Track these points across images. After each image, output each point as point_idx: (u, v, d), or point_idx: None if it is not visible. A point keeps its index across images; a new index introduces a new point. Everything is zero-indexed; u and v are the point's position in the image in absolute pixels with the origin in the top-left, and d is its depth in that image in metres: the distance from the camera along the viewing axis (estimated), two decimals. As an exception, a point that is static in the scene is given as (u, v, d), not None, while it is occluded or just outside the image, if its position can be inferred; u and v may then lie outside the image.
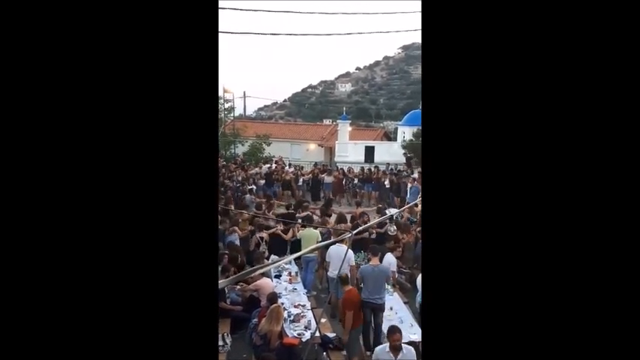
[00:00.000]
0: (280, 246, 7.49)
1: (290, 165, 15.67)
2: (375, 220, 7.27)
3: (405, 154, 16.79)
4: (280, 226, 7.70)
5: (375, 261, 5.49)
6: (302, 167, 15.66)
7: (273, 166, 14.57)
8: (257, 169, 14.30)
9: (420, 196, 10.75)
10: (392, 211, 8.79)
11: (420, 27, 1.54)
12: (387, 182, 12.59)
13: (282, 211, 9.26)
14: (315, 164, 15.49)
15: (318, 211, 8.93)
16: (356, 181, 13.71)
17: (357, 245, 7.20)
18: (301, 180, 13.54)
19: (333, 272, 6.30)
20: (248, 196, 10.28)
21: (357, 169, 14.55)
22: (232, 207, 8.29)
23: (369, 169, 13.92)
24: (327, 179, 13.02)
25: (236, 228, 7.34)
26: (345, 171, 14.16)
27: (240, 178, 12.36)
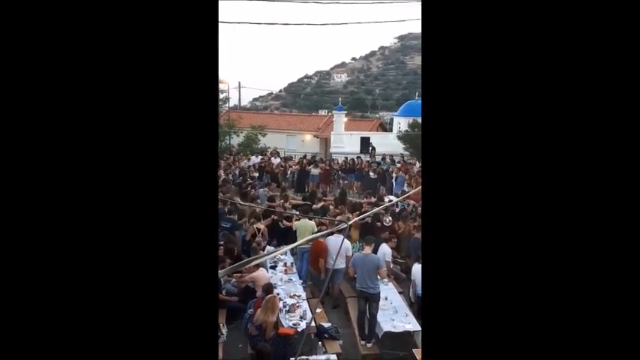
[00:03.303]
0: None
1: (278, 155, 15.58)
2: (374, 208, 7.28)
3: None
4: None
5: (367, 250, 5.52)
6: (291, 158, 15.62)
7: (259, 158, 14.48)
8: (246, 160, 14.19)
9: (406, 185, 10.87)
10: (392, 200, 8.83)
11: (416, 17, 1.53)
12: (371, 172, 12.63)
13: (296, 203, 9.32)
14: (304, 156, 15.48)
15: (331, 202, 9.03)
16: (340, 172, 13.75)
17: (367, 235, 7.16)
18: (289, 172, 13.49)
19: (330, 262, 6.32)
20: (261, 190, 10.28)
21: (341, 160, 14.61)
22: (238, 199, 8.34)
23: (352, 160, 13.99)
24: (314, 171, 13.01)
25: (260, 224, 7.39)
26: (332, 162, 14.23)
27: (237, 172, 12.33)
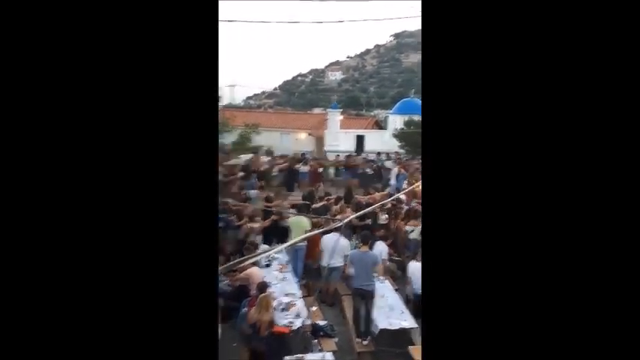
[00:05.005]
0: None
1: (271, 154, 15.39)
2: (379, 206, 7.23)
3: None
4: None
5: (364, 248, 5.48)
6: (285, 156, 15.45)
7: (249, 157, 14.25)
8: (235, 159, 13.90)
9: (406, 182, 10.82)
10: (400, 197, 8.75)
11: (411, 14, 1.53)
12: (367, 169, 12.55)
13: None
14: (294, 156, 15.32)
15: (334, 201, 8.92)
16: (331, 170, 13.59)
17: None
18: (277, 169, 13.24)
19: (326, 261, 6.26)
20: (253, 191, 10.14)
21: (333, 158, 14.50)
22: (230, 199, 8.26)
23: (346, 157, 13.84)
24: (303, 169, 12.75)
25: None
26: (323, 160, 14.14)
27: (226, 171, 12.15)
